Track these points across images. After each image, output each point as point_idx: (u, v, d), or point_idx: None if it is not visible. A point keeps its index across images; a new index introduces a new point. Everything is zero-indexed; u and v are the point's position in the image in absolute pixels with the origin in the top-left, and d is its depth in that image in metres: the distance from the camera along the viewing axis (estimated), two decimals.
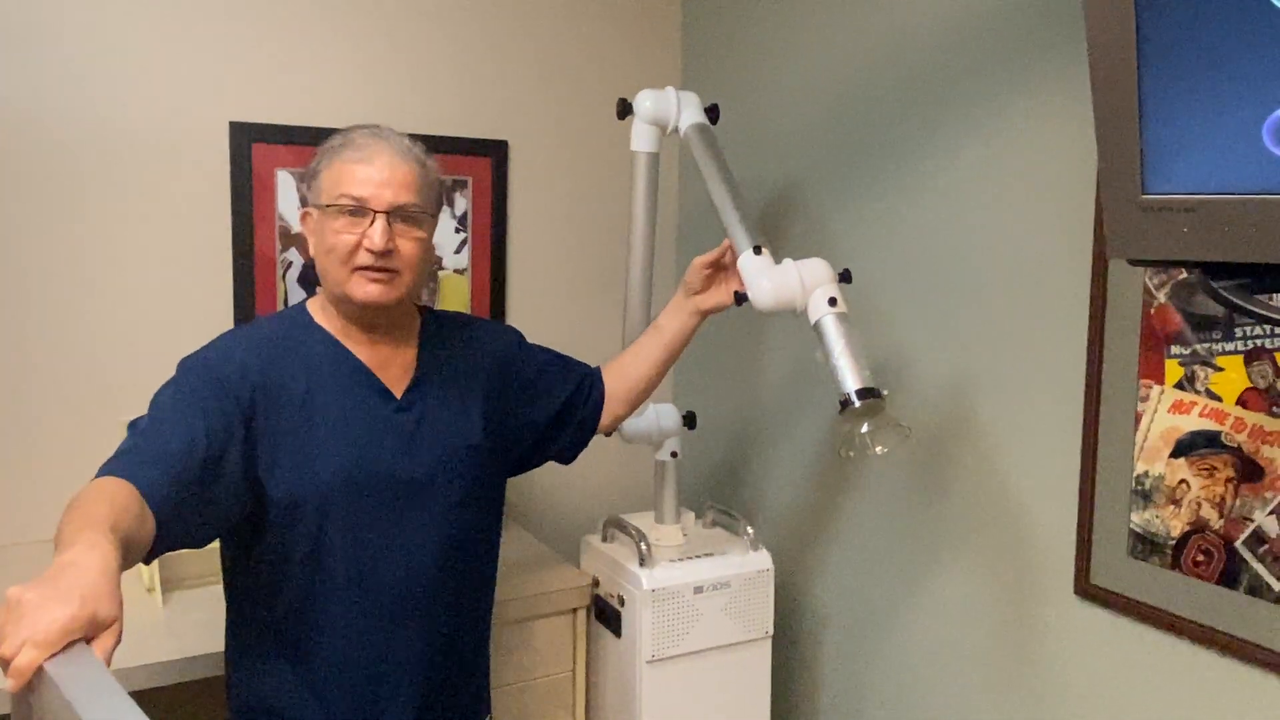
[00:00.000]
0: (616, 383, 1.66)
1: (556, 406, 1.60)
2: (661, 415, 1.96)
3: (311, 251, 1.38)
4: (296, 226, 2.08)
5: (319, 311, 1.41)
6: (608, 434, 1.72)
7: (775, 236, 2.17)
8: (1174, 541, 1.42)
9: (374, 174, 1.31)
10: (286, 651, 1.37)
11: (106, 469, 1.12)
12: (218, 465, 1.22)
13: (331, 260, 1.33)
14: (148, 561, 1.16)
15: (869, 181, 1.93)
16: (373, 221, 1.31)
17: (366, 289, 1.33)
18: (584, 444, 1.67)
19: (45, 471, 1.90)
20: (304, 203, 1.40)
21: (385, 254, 1.31)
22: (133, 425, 1.23)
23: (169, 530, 1.12)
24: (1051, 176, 1.57)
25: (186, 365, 1.31)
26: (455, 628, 1.46)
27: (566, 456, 1.67)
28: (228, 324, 2.03)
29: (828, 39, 2.02)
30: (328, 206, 1.32)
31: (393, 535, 1.38)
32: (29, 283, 1.87)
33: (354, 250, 1.31)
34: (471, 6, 2.23)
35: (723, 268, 1.63)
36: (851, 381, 1.41)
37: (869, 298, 1.91)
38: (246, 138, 2.02)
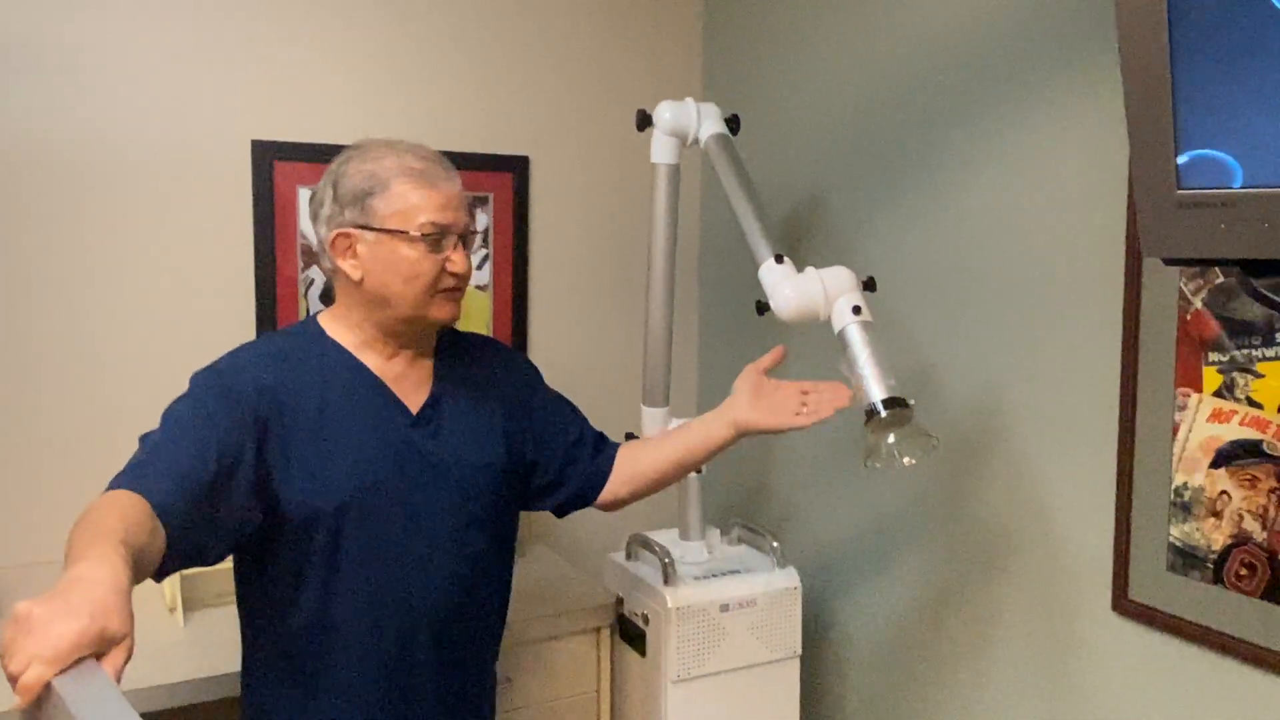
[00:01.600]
0: (625, 463, 1.56)
1: (563, 448, 1.54)
2: None
3: (363, 274, 1.33)
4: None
5: (332, 325, 1.40)
6: (605, 509, 1.60)
7: (798, 245, 2.14)
8: (1215, 555, 1.37)
9: (441, 198, 1.32)
10: (297, 673, 1.35)
11: (117, 482, 1.11)
12: (229, 479, 1.21)
13: (414, 286, 1.32)
14: (159, 579, 1.15)
15: (892, 189, 1.90)
16: (456, 246, 1.34)
17: (448, 309, 1.36)
18: (579, 504, 1.57)
19: (62, 491, 1.89)
20: (332, 220, 1.33)
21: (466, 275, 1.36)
22: (144, 439, 1.22)
23: (180, 544, 1.11)
24: (1080, 181, 1.54)
25: (198, 379, 1.30)
26: (467, 651, 1.44)
27: (561, 508, 1.57)
28: None
29: (848, 47, 2.00)
30: (403, 233, 1.30)
31: (407, 553, 1.36)
32: (49, 301, 1.88)
33: (439, 275, 1.33)
34: (491, 23, 2.23)
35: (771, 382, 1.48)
36: (877, 391, 1.39)
37: (894, 306, 1.87)
38: (268, 156, 2.03)
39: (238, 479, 1.23)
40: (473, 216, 1.42)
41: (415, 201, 1.31)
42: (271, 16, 2.02)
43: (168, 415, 1.24)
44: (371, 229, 1.31)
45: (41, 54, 1.84)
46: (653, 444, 1.59)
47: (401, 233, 1.30)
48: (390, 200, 1.31)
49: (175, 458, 1.17)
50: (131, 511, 1.03)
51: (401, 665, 1.37)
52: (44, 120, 1.85)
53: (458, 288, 1.37)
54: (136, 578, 0.96)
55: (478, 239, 2.23)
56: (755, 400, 1.47)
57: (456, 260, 1.34)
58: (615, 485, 1.56)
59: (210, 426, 1.22)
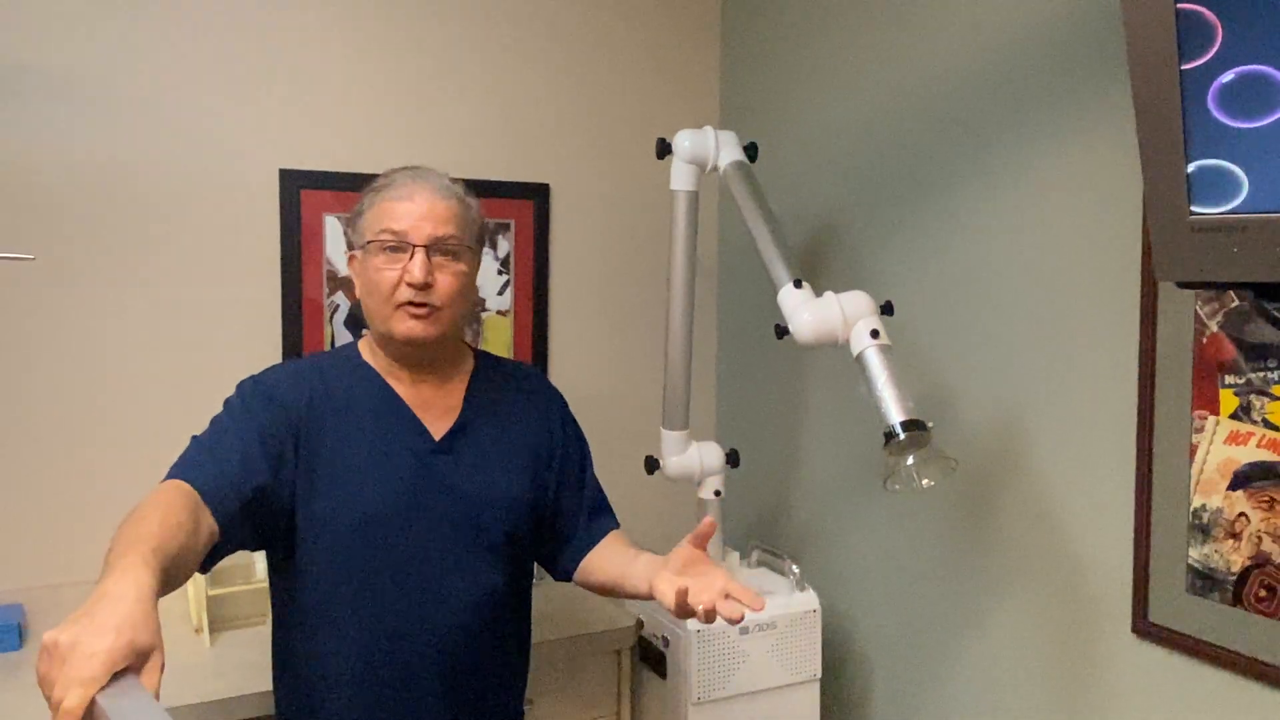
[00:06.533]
0: (588, 560, 1.50)
1: (569, 501, 1.51)
2: (704, 453, 1.94)
3: (358, 292, 1.40)
4: (343, 270, 2.12)
5: (367, 350, 1.44)
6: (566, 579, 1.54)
7: (816, 270, 2.16)
8: (1235, 577, 1.37)
9: (413, 209, 1.33)
10: (305, 697, 1.36)
11: (170, 474, 1.18)
12: (275, 469, 1.28)
13: (375, 298, 1.34)
14: (207, 567, 1.20)
15: (909, 214, 1.92)
16: (412, 255, 1.31)
17: (408, 325, 1.33)
18: (555, 571, 1.53)
19: (91, 512, 1.92)
20: (350, 246, 1.42)
21: (425, 288, 1.32)
22: (195, 438, 1.29)
23: (231, 529, 1.18)
24: (1096, 205, 1.55)
25: (243, 385, 1.36)
26: (481, 692, 1.41)
27: (558, 568, 1.53)
28: None
29: (864, 75, 2.03)
30: (369, 243, 1.34)
31: (414, 585, 1.34)
32: (79, 326, 1.92)
33: (396, 286, 1.32)
34: (514, 54, 2.27)
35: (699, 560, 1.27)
36: (896, 414, 1.40)
37: (912, 330, 1.89)
38: (295, 184, 2.07)
39: (281, 473, 1.29)
40: (474, 235, 1.39)
41: (381, 214, 1.34)
42: (298, 47, 2.06)
43: (216, 417, 1.31)
44: (360, 246, 1.38)
45: (72, 82, 1.89)
46: (606, 555, 1.48)
47: (371, 243, 1.34)
48: (369, 217, 1.36)
49: (223, 450, 1.24)
50: (174, 509, 1.08)
51: (406, 695, 1.35)
52: (76, 148, 1.90)
53: (421, 303, 1.32)
54: (175, 578, 1.00)
55: (494, 266, 2.26)
56: (680, 573, 1.26)
57: (411, 268, 1.31)
58: (580, 574, 1.50)
59: (254, 425, 1.28)
